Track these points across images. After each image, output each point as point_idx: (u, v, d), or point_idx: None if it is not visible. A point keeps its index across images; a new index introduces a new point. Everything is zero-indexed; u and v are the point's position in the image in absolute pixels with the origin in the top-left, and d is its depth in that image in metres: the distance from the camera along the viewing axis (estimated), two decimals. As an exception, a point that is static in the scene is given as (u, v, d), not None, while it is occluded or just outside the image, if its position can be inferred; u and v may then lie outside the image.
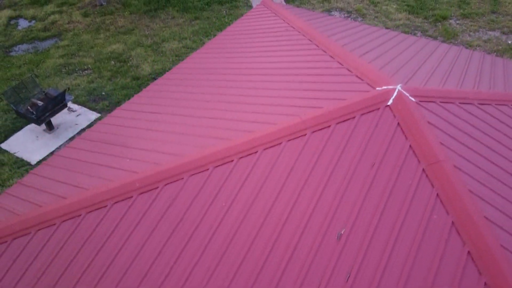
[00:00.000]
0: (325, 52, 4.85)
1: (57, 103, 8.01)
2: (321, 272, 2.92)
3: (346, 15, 12.83)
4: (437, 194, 3.09)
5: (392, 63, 4.64)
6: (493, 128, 3.77)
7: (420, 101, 3.67)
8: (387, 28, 12.04)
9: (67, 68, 10.43)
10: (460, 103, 3.85)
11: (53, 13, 13.07)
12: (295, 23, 5.93)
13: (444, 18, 12.73)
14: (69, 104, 8.92)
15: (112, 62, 10.55)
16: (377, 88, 3.78)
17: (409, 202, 3.11)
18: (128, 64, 10.47)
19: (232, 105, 4.20)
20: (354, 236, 3.04)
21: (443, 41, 11.56)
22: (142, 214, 3.36)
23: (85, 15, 12.80)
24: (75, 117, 8.73)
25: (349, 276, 2.85)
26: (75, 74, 10.19)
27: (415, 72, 4.44)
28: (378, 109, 3.61)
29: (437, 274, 2.80)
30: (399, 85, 3.74)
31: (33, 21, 12.96)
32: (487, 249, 2.83)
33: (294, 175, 3.37)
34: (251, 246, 3.06)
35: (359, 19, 12.63)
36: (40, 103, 7.96)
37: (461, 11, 13.30)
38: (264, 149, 3.52)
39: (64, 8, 13.34)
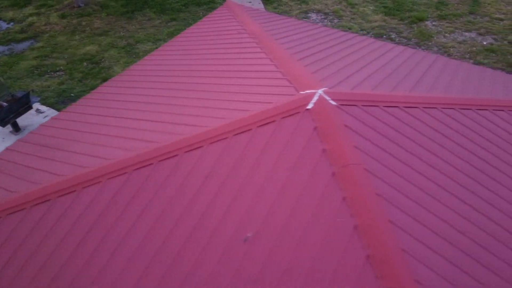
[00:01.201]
0: (266, 55, 4.88)
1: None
2: (230, 275, 2.95)
3: (323, 17, 12.88)
4: (344, 198, 3.11)
5: (331, 67, 4.67)
6: (416, 131, 3.80)
7: (341, 104, 3.69)
8: (362, 30, 12.10)
9: (39, 70, 10.46)
10: (384, 106, 3.88)
11: (31, 15, 13.10)
12: (248, 26, 5.96)
13: (421, 19, 12.78)
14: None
15: (85, 64, 10.59)
16: (300, 92, 3.81)
17: (318, 205, 3.14)
18: (100, 66, 10.50)
19: (161, 107, 4.23)
20: (262, 240, 3.06)
21: (417, 43, 11.62)
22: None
23: (63, 17, 12.83)
24: (42, 118, 8.75)
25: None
26: (47, 76, 10.23)
27: (350, 75, 4.46)
28: (298, 113, 3.63)
29: (336, 278, 2.82)
30: (322, 89, 3.77)
31: (12, 23, 12.98)
32: (386, 253, 2.86)
33: (212, 180, 3.39)
34: (163, 250, 3.09)
35: (336, 20, 12.68)
36: (4, 104, 7.98)
37: (439, 12, 13.35)
38: (185, 152, 3.54)
39: (43, 10, 13.37)
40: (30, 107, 8.29)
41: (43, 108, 9.02)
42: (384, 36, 11.75)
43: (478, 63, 11.01)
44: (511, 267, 3.12)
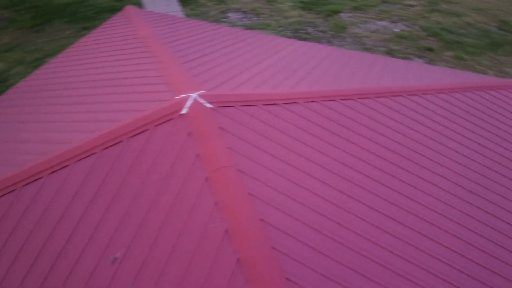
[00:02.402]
0: (152, 60, 4.72)
1: None
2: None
3: (242, 15, 12.88)
4: (215, 202, 3.04)
5: (218, 68, 4.60)
6: (296, 126, 3.81)
7: (217, 107, 3.62)
8: (280, 26, 12.23)
9: None
10: (263, 104, 3.86)
11: None
12: (141, 31, 5.76)
13: (336, 12, 13.16)
14: None
15: (-12, 83, 9.86)
16: (175, 97, 3.70)
17: (190, 213, 3.04)
18: (6, 84, 9.81)
19: (31, 125, 3.96)
20: (131, 258, 2.92)
21: (333, 35, 11.93)
22: None
23: (-37, 34, 11.87)
24: None
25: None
26: None
27: (235, 76, 4.42)
28: (172, 119, 3.51)
29: (206, 286, 2.74)
30: (197, 92, 3.68)
31: None
32: (256, 254, 2.82)
33: (79, 200, 3.19)
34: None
35: (255, 18, 12.73)
36: None
37: (353, 4, 13.82)
38: (50, 174, 3.31)
39: None
40: None
41: None
42: (301, 31, 11.96)
43: (390, 50, 11.52)
44: (391, 253, 3.20)
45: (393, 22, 13.28)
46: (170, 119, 3.52)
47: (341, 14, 13.08)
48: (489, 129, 4.82)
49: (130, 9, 6.98)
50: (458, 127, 4.64)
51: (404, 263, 3.16)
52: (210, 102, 3.62)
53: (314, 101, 4.13)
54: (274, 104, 3.91)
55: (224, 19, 12.45)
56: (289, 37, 11.33)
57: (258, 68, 4.81)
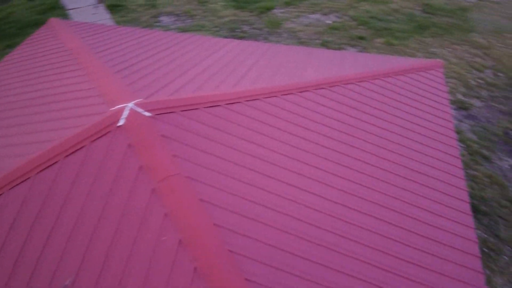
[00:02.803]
0: (83, 73, 4.48)
1: None
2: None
3: (175, 18, 12.64)
4: (165, 214, 2.94)
5: (153, 74, 4.45)
6: (240, 126, 3.78)
7: (157, 114, 3.50)
8: (215, 26, 12.15)
9: None
10: (205, 107, 3.79)
11: None
12: (69, 44, 5.45)
13: (269, 9, 13.30)
14: None
15: None
16: (110, 109, 3.53)
17: (139, 229, 2.92)
18: None
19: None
20: (81, 283, 2.74)
21: (269, 32, 12.05)
22: None
23: None
24: None
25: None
26: None
27: (173, 80, 4.30)
28: (109, 132, 3.35)
29: (165, 300, 2.64)
30: (133, 101, 3.53)
31: None
32: (213, 259, 2.76)
33: (17, 231, 2.95)
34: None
35: (189, 21, 12.55)
36: None
37: (285, -1, 14.03)
38: (-21, 206, 3.03)
39: None
40: None
41: None
42: (237, 30, 11.96)
43: (325, 42, 11.84)
44: (343, 238, 3.27)
45: (324, 14, 13.66)
46: (107, 133, 3.35)
47: (275, 10, 13.24)
48: (421, 108, 5.09)
49: (54, 22, 6.59)
50: (393, 109, 4.84)
51: (354, 244, 3.25)
52: (148, 110, 3.49)
53: (256, 99, 4.13)
54: (217, 105, 3.86)
55: (157, 24, 12.15)
56: (225, 37, 11.28)
57: (196, 70, 4.72)
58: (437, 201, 4.07)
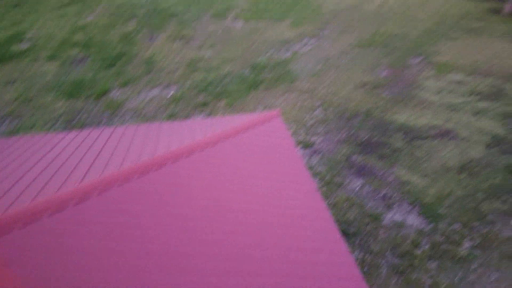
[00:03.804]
0: None
1: None
2: None
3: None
4: None
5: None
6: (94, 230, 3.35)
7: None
8: (48, 122, 11.18)
9: None
10: (49, 215, 3.26)
11: None
12: None
13: (105, 92, 12.94)
14: None
15: None
16: None
17: None
18: None
19: None
20: None
21: (110, 116, 11.63)
22: None
23: None
24: None
25: None
26: None
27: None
28: None
29: None
30: None
31: None
32: None
33: None
34: None
35: (15, 121, 11.29)
36: None
37: (120, 80, 13.88)
38: None
39: None
40: None
41: None
42: (74, 121, 11.24)
43: (171, 114, 11.96)
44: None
45: (165, 88, 13.92)
46: None
47: (112, 93, 12.93)
48: (273, 156, 5.37)
49: None
50: (249, 164, 4.99)
51: None
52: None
53: (107, 189, 3.76)
54: (61, 210, 3.36)
55: (-24, 132, 10.61)
56: (62, 130, 10.45)
57: (28, 178, 4.12)
58: (310, 239, 4.21)
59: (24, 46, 16.13)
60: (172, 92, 13.55)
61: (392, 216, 8.28)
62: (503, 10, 23.34)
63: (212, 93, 13.43)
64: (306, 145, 10.62)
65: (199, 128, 6.46)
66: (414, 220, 8.18)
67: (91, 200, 3.59)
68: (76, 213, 3.39)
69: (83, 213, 3.41)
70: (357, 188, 9.07)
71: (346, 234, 7.68)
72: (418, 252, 7.44)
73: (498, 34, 19.77)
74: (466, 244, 7.65)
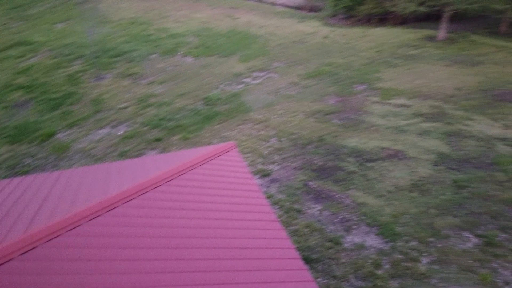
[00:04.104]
0: None
1: None
2: None
3: None
4: None
5: None
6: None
7: None
8: (-11, 168, 10.45)
9: None
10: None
11: None
12: None
13: (51, 135, 12.38)
14: None
15: None
16: None
17: None
18: None
19: None
20: None
21: (57, 159, 11.09)
22: None
23: None
24: None
25: None
26: None
27: None
28: None
29: None
30: None
31: None
32: None
33: None
34: None
35: (-49, 171, 10.45)
36: None
37: (66, 122, 13.37)
38: None
39: None
40: None
41: None
42: (18, 166, 10.59)
43: (123, 153, 11.60)
44: None
45: (114, 126, 13.55)
46: None
47: (58, 135, 12.39)
48: (231, 187, 5.30)
49: None
50: (206, 197, 4.89)
51: None
52: None
53: (56, 236, 3.51)
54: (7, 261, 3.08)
55: None
56: (4, 178, 9.80)
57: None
58: (272, 269, 4.13)
59: (-40, 91, 15.23)
60: (123, 130, 13.21)
61: (352, 238, 8.37)
62: (437, 37, 25.32)
63: (165, 128, 13.23)
64: (264, 174, 10.63)
65: (152, 165, 6.28)
66: (373, 241, 8.31)
67: (38, 249, 3.33)
68: (22, 265, 3.12)
69: (29, 263, 3.15)
70: (316, 213, 9.14)
71: (309, 260, 7.64)
72: (380, 272, 7.52)
73: (434, 59, 21.30)
74: (424, 260, 7.84)
